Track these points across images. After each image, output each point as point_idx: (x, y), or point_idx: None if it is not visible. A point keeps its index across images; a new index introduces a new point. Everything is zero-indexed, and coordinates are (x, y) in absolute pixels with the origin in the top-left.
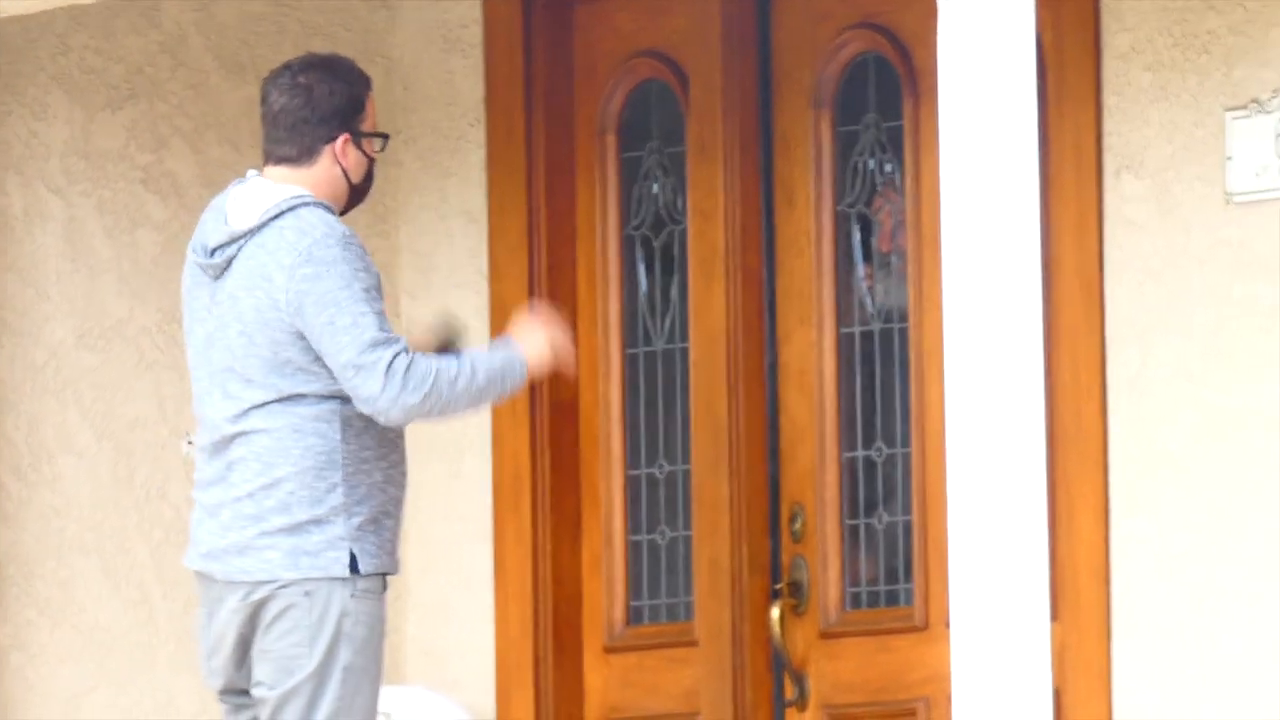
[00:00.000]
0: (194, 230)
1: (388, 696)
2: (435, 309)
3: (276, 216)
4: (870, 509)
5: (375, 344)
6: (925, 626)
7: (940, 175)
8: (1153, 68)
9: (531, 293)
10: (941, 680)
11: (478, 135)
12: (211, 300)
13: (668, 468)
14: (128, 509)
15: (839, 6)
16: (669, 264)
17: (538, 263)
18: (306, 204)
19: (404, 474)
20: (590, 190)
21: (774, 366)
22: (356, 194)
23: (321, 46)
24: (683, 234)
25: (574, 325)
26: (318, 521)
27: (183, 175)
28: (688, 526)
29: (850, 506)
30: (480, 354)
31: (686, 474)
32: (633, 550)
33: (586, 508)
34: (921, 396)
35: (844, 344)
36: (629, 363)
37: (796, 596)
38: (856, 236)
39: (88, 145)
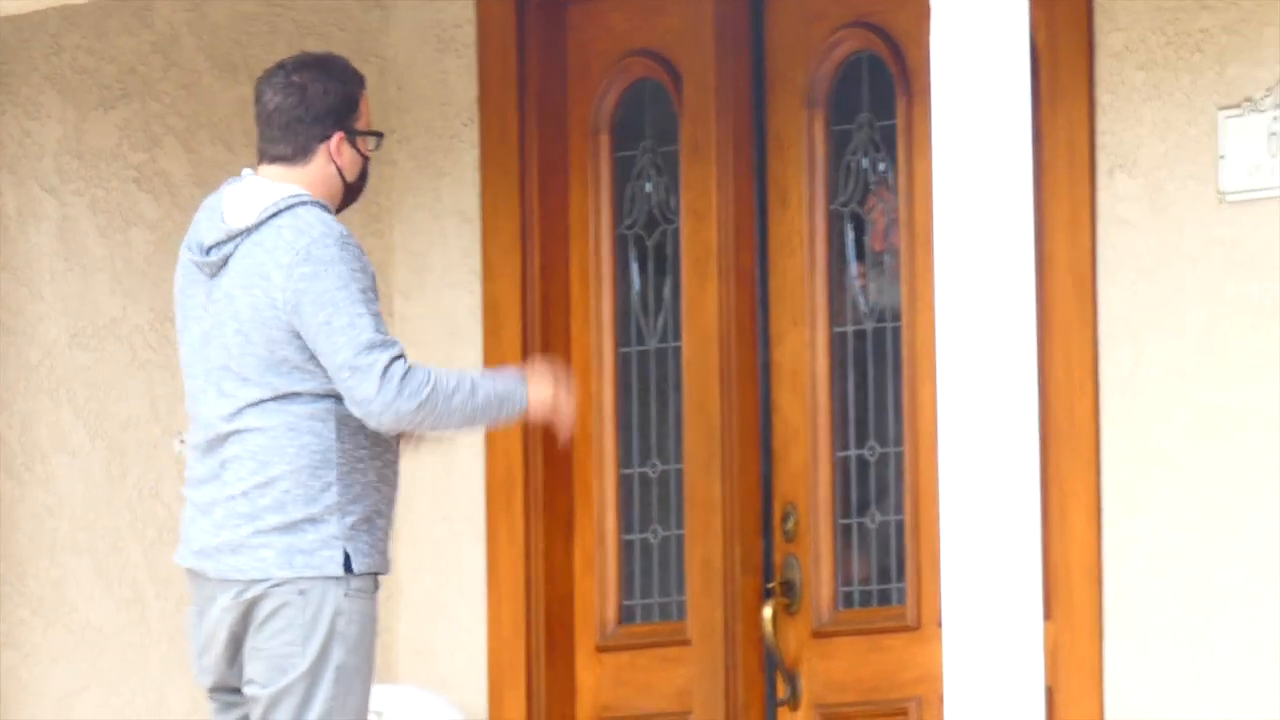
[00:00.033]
0: (187, 229)
1: (380, 695)
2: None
3: (274, 215)
4: (863, 508)
5: (372, 346)
6: (918, 626)
7: (933, 174)
8: (1146, 66)
9: (525, 292)
10: (934, 680)
11: (471, 135)
12: (207, 298)
13: (660, 467)
14: (120, 508)
15: (832, 6)
16: (662, 263)
17: (531, 262)
18: (304, 203)
19: (397, 473)
20: (584, 190)
21: (767, 366)
22: (351, 193)
23: (315, 46)
24: (676, 233)
25: (567, 324)
26: (312, 520)
27: (175, 175)
28: (680, 526)
29: (843, 506)
30: (482, 376)
31: (679, 473)
32: (625, 549)
33: (579, 507)
34: (914, 396)
35: (837, 343)
36: (622, 362)
37: (789, 596)
38: (849, 236)
39: (81, 145)
